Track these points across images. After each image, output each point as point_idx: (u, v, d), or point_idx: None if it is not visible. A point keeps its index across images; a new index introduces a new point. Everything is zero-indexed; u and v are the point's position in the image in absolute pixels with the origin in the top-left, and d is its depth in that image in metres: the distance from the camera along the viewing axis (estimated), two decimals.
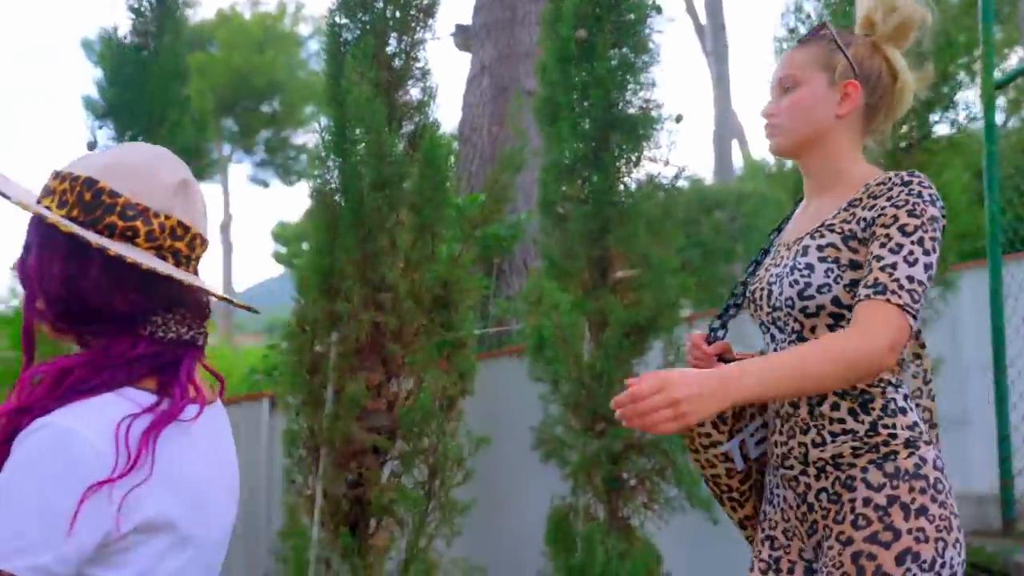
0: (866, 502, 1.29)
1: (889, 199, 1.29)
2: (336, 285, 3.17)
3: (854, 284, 1.31)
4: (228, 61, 19.25)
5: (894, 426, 1.31)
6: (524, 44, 6.63)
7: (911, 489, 1.28)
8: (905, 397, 1.35)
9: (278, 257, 24.14)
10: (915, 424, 1.33)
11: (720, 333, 1.55)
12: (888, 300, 1.21)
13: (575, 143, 3.22)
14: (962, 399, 4.07)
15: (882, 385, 1.34)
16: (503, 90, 6.63)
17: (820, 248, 1.35)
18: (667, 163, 3.30)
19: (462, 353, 3.20)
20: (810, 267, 1.34)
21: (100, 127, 3.30)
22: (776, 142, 1.44)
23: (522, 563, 3.31)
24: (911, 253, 1.24)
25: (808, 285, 1.33)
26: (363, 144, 3.12)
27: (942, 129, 3.01)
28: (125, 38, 3.39)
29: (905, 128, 2.95)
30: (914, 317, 1.22)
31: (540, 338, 3.26)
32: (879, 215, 1.29)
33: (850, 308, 1.29)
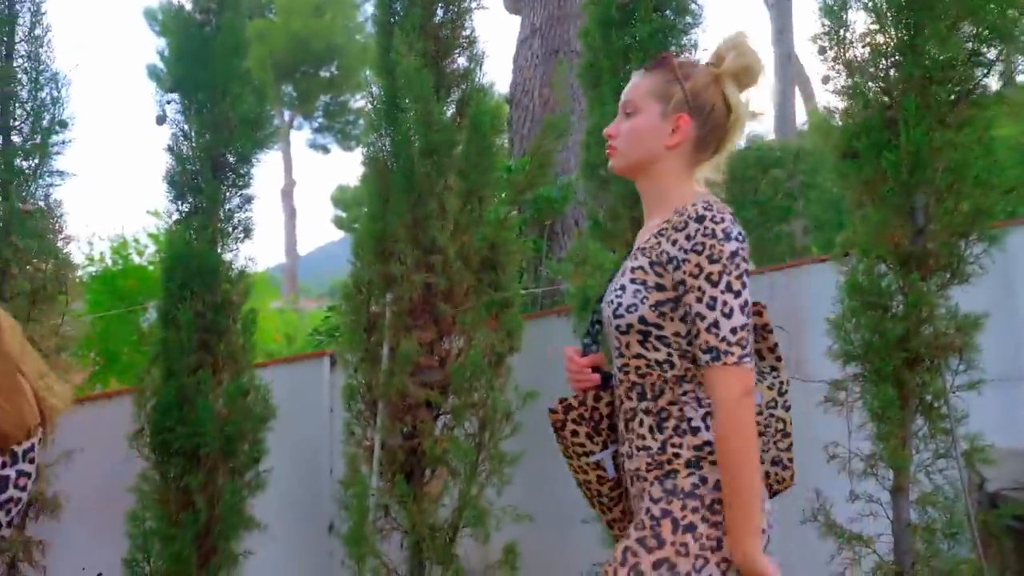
0: (647, 511, 1.42)
1: (688, 238, 1.38)
2: (389, 248, 3.32)
3: (659, 304, 1.41)
4: (287, 26, 19.41)
5: (680, 446, 1.41)
6: (574, 6, 6.60)
7: (683, 507, 1.38)
8: (705, 416, 1.42)
9: (338, 222, 24.57)
10: (704, 444, 1.41)
11: (593, 348, 1.65)
12: (724, 363, 1.34)
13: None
14: (1015, 356, 4.03)
15: (680, 403, 1.43)
16: (554, 52, 6.64)
17: (632, 270, 1.46)
18: None
19: (509, 312, 3.33)
20: (623, 288, 1.45)
21: (168, 101, 3.47)
22: (613, 162, 1.57)
23: (569, 511, 3.44)
24: (725, 304, 1.34)
25: (620, 305, 1.44)
26: (412, 113, 3.23)
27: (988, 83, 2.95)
28: (190, 13, 3.51)
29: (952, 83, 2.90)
30: (749, 359, 1.34)
31: (585, 298, 3.35)
32: (683, 259, 1.38)
33: (656, 326, 1.41)
